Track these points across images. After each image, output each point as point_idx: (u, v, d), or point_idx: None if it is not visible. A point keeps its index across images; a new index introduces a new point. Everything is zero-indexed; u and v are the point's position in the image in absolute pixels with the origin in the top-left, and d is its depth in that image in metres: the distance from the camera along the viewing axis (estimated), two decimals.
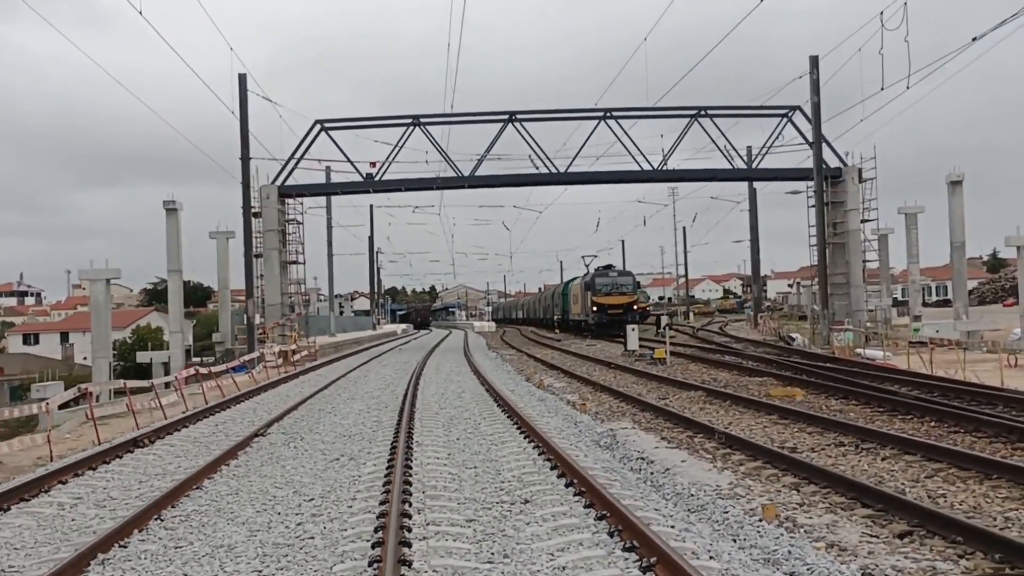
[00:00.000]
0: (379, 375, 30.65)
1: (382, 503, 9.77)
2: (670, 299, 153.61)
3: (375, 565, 7.52)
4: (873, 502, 9.54)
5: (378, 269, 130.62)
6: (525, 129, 47.98)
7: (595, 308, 55.35)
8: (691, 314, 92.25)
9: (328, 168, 53.21)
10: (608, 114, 48.35)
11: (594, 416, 17.99)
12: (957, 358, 27.74)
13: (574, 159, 47.99)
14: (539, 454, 12.95)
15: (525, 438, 14.59)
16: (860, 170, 48.32)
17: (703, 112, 48.63)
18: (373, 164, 48.66)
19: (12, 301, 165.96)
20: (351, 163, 48.76)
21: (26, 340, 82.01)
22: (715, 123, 48.67)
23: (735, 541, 8.46)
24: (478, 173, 48.12)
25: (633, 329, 36.29)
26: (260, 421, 18.25)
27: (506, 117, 48.03)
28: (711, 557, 7.67)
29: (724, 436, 14.05)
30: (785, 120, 48.47)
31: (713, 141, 48.95)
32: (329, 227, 63.16)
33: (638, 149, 48.35)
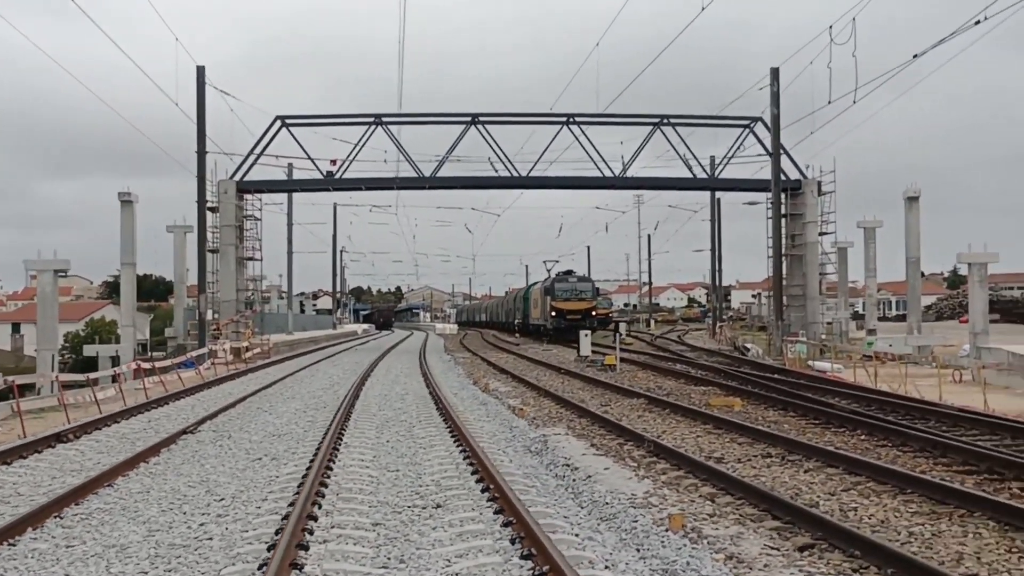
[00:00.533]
0: (326, 375, 30.42)
1: (291, 504, 9.63)
2: (635, 306, 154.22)
3: (263, 568, 7.38)
4: (783, 514, 9.52)
5: (342, 268, 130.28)
6: (487, 132, 47.92)
7: (554, 313, 55.33)
8: (652, 322, 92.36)
9: (290, 165, 52.81)
10: (571, 120, 48.40)
11: (531, 421, 17.89)
12: (900, 372, 27.96)
13: (536, 163, 48.03)
14: (464, 459, 12.86)
15: (455, 442, 14.48)
16: (819, 183, 48.69)
17: (665, 120, 48.82)
18: (334, 162, 48.37)
19: None
20: (311, 160, 48.47)
21: None
22: (677, 132, 48.89)
23: (638, 551, 8.39)
24: (439, 175, 48.06)
25: (586, 335, 36.29)
26: (194, 418, 18.03)
27: (468, 119, 47.94)
28: (607, 567, 7.61)
29: (653, 444, 14.00)
30: (747, 131, 48.77)
31: (675, 149, 49.09)
32: (290, 224, 62.85)
33: (600, 155, 48.49)
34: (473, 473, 11.69)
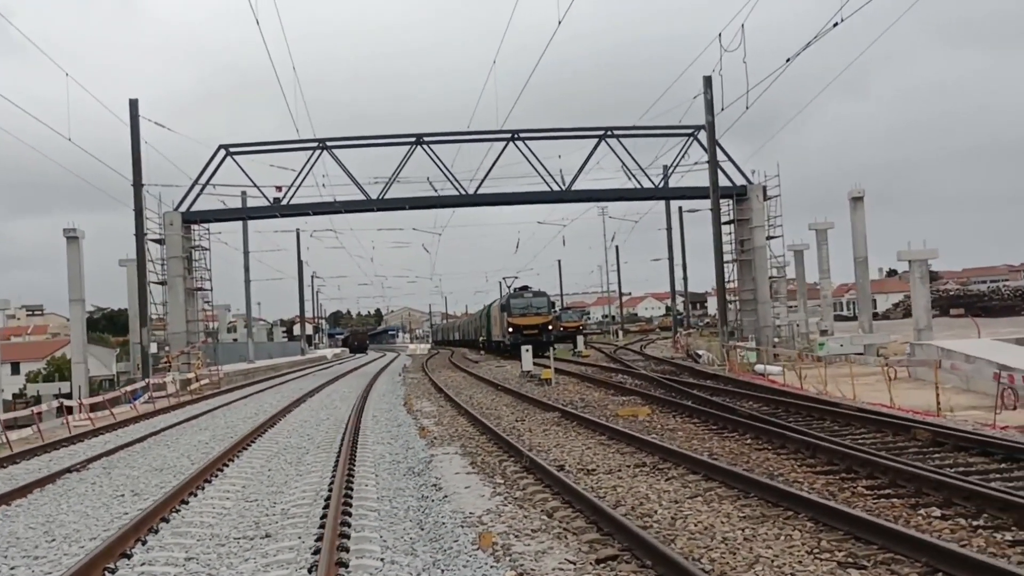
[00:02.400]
0: (259, 404, 30.25)
1: (115, 541, 9.52)
2: (613, 317, 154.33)
3: None
4: (605, 526, 9.49)
5: (316, 293, 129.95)
6: (433, 152, 48.00)
7: (511, 329, 55.35)
8: (620, 332, 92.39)
9: (244, 193, 52.86)
10: (515, 136, 48.53)
11: (431, 442, 17.83)
12: (843, 373, 28.06)
13: (483, 181, 48.11)
14: (329, 485, 12.74)
15: (334, 469, 14.40)
16: (765, 188, 48.92)
17: (610, 132, 49.00)
18: (279, 188, 48.39)
19: None
20: (257, 187, 48.54)
21: None
22: (622, 143, 49.07)
23: (442, 572, 8.34)
24: (387, 196, 48.06)
25: (527, 350, 36.29)
26: (93, 454, 17.86)
27: (413, 140, 48.03)
28: None
29: (529, 460, 13.95)
30: (691, 139, 49.04)
31: (620, 160, 49.34)
32: (246, 252, 62.63)
33: (546, 170, 48.60)
34: (326, 500, 11.61)
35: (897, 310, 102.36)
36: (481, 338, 72.88)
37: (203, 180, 47.05)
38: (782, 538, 8.97)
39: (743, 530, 9.36)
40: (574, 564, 8.32)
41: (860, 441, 15.04)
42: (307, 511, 11.10)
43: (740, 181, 49.16)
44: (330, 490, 12.23)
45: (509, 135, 48.42)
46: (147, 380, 35.52)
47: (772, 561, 8.16)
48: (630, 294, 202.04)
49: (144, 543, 9.73)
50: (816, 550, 8.50)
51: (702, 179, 50.46)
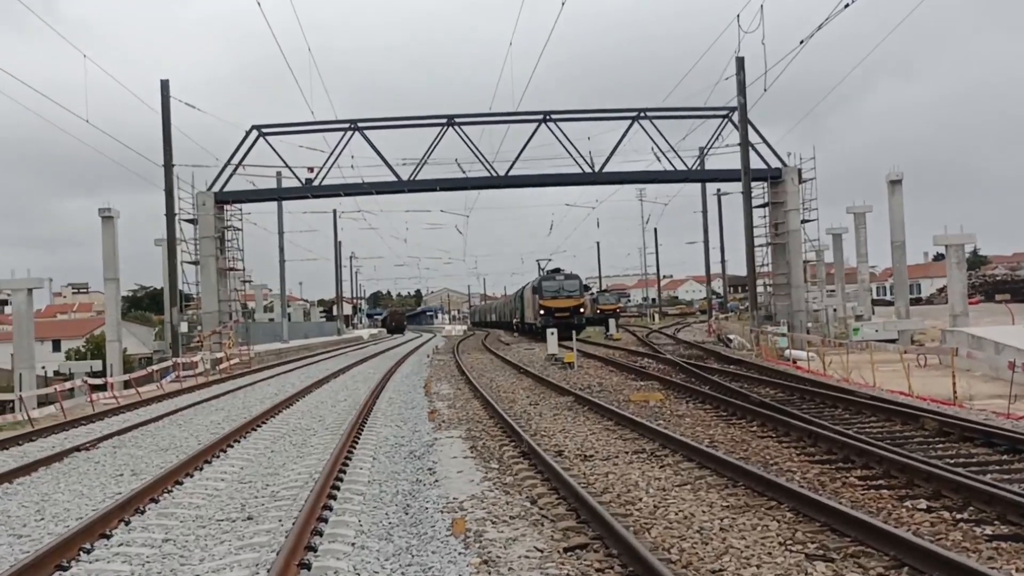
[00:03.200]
0: (284, 383, 30.49)
1: (96, 521, 9.61)
2: (654, 300, 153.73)
3: None
4: (584, 514, 9.42)
5: (355, 274, 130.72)
6: (464, 133, 47.93)
7: (542, 312, 55.26)
8: (657, 316, 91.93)
9: (279, 174, 53.17)
10: (547, 117, 48.34)
11: (439, 425, 17.85)
12: (868, 359, 27.67)
13: (514, 163, 47.97)
14: (331, 467, 12.78)
15: (338, 452, 14.44)
16: (800, 170, 48.31)
17: (643, 114, 48.61)
18: (311, 170, 48.63)
19: None
20: (289, 168, 48.85)
21: None
22: (655, 125, 48.68)
23: (412, 556, 8.33)
24: (417, 177, 48.11)
25: (552, 333, 36.15)
26: (107, 431, 18.08)
27: (445, 121, 47.98)
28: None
29: (528, 445, 13.90)
30: (725, 120, 48.46)
31: (653, 142, 48.96)
32: (280, 233, 63.07)
33: (577, 151, 48.36)
34: (323, 483, 11.63)
35: (941, 295, 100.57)
36: (515, 320, 72.90)
37: (235, 161, 47.46)
38: (759, 528, 8.86)
39: (722, 520, 9.25)
40: (541, 552, 8.26)
41: (867, 430, 14.82)
42: (296, 494, 11.13)
43: (775, 164, 48.61)
44: (328, 473, 12.27)
45: (541, 116, 48.24)
46: (175, 359, 35.90)
47: (742, 552, 8.05)
48: (671, 276, 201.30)
49: (127, 523, 9.82)
50: (789, 541, 8.37)
51: (738, 161, 49.99)
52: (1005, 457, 12.02)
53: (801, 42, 20.51)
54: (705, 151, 50.57)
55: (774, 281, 49.57)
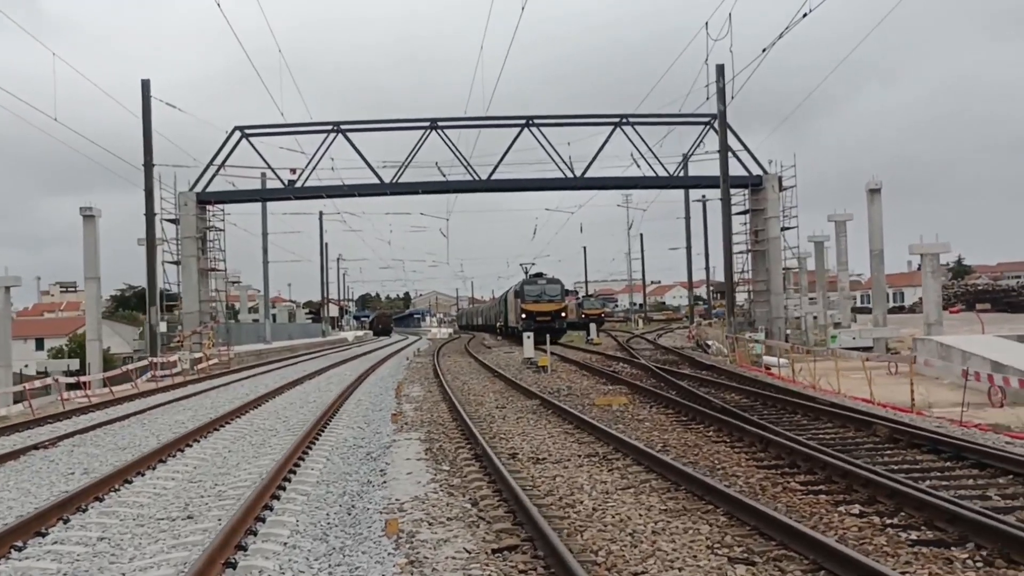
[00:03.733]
0: (258, 383, 30.49)
1: (34, 518, 9.65)
2: (641, 305, 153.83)
3: None
4: (520, 516, 9.48)
5: (343, 276, 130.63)
6: (447, 136, 48.03)
7: (524, 316, 55.31)
8: (640, 321, 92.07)
9: (264, 175, 53.24)
10: (530, 121, 48.46)
11: (401, 427, 17.91)
12: (851, 366, 27.85)
13: (496, 166, 48.07)
14: (280, 467, 12.83)
15: (292, 451, 14.49)
16: (780, 178, 48.52)
17: (625, 120, 48.77)
18: (293, 171, 48.67)
19: None
20: (272, 169, 48.92)
21: None
22: (636, 131, 48.83)
23: (343, 556, 8.39)
24: (401, 180, 48.18)
25: (528, 337, 36.23)
26: (64, 432, 18.09)
27: (427, 124, 48.06)
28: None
29: (482, 448, 13.96)
30: (707, 127, 48.61)
31: (636, 148, 49.12)
32: (264, 234, 62.99)
33: (560, 156, 48.48)
34: (268, 483, 11.69)
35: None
36: (499, 324, 72.94)
37: (218, 161, 47.47)
38: (690, 532, 8.94)
39: (656, 523, 9.34)
40: (469, 553, 8.33)
41: (820, 436, 14.94)
42: (242, 493, 11.17)
43: (757, 171, 48.81)
44: (278, 472, 12.31)
45: (524, 120, 48.38)
46: (151, 359, 35.88)
47: (668, 555, 8.13)
48: (659, 282, 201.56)
49: (67, 522, 9.85)
50: (718, 545, 8.46)
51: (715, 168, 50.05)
52: (948, 464, 12.14)
53: (764, 50, 20.66)
54: (687, 157, 50.74)
55: (754, 288, 49.79)
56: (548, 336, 53.69)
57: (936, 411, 18.87)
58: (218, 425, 18.27)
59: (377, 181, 47.72)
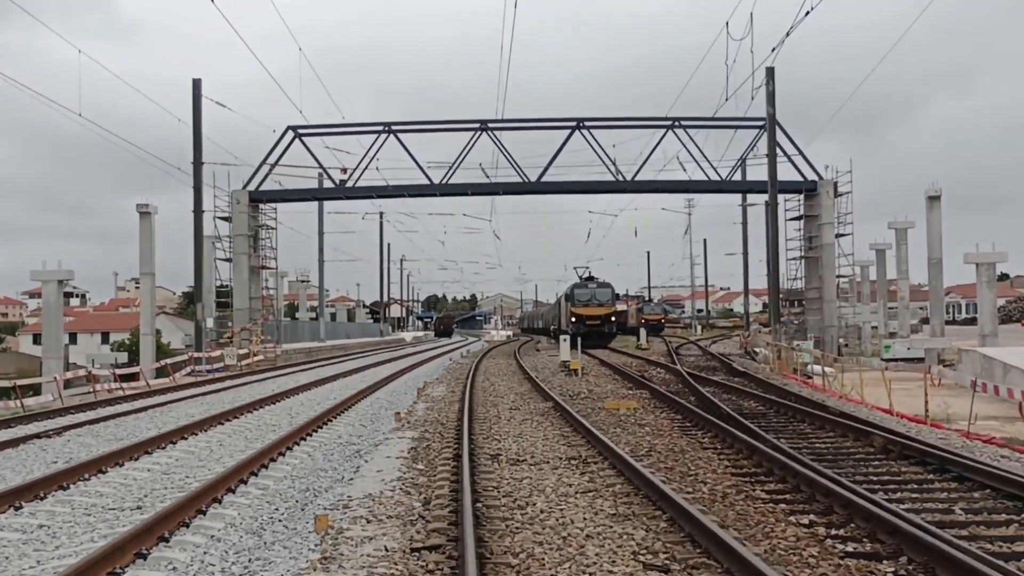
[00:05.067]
0: (292, 380, 30.78)
1: None
2: (709, 312, 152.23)
3: None
4: (460, 517, 9.36)
5: (408, 276, 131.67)
6: (497, 138, 48.09)
7: (573, 319, 55.01)
8: (700, 327, 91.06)
9: (320, 175, 53.79)
10: (581, 124, 48.27)
11: (402, 426, 17.91)
12: (872, 377, 27.15)
13: (546, 168, 47.99)
14: (247, 462, 12.87)
15: (289, 446, 14.62)
16: (836, 184, 47.58)
17: (677, 123, 48.31)
18: (344, 171, 49.17)
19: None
20: (323, 169, 49.42)
21: (36, 340, 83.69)
22: (688, 134, 48.34)
23: (265, 551, 8.38)
24: (451, 181, 48.35)
25: (565, 340, 36.00)
26: (75, 422, 18.45)
27: (478, 126, 48.15)
28: (172, 568, 7.70)
29: (468, 448, 13.85)
30: (761, 131, 47.86)
31: (688, 151, 48.65)
32: (320, 233, 63.74)
33: (610, 159, 48.25)
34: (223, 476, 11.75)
35: (999, 313, 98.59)
36: (552, 327, 72.69)
37: (271, 160, 48.17)
38: (624, 537, 8.72)
39: (596, 527, 9.13)
40: (386, 551, 8.23)
41: (816, 445, 14.56)
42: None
43: (812, 176, 47.98)
44: (262, 467, 12.40)
45: (575, 123, 48.21)
46: (190, 354, 36.49)
47: (586, 560, 7.93)
48: (728, 288, 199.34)
49: (18, 508, 9.99)
50: (645, 551, 8.24)
51: (780, 172, 49.14)
52: (930, 476, 11.70)
53: (773, 50, 20.19)
54: (742, 160, 50.12)
55: (806, 296, 48.92)
56: (580, 340, 53.48)
57: (960, 424, 18.29)
58: (224, 419, 18.47)
59: (427, 182, 48.00)
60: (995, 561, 7.07)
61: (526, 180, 48.05)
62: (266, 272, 50.04)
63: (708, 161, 48.18)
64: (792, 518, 9.51)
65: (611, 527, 9.16)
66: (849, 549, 8.25)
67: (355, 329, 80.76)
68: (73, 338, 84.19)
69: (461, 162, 48.12)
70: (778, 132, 47.50)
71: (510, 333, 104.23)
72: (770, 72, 40.67)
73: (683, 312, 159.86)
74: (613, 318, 55.54)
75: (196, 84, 40.39)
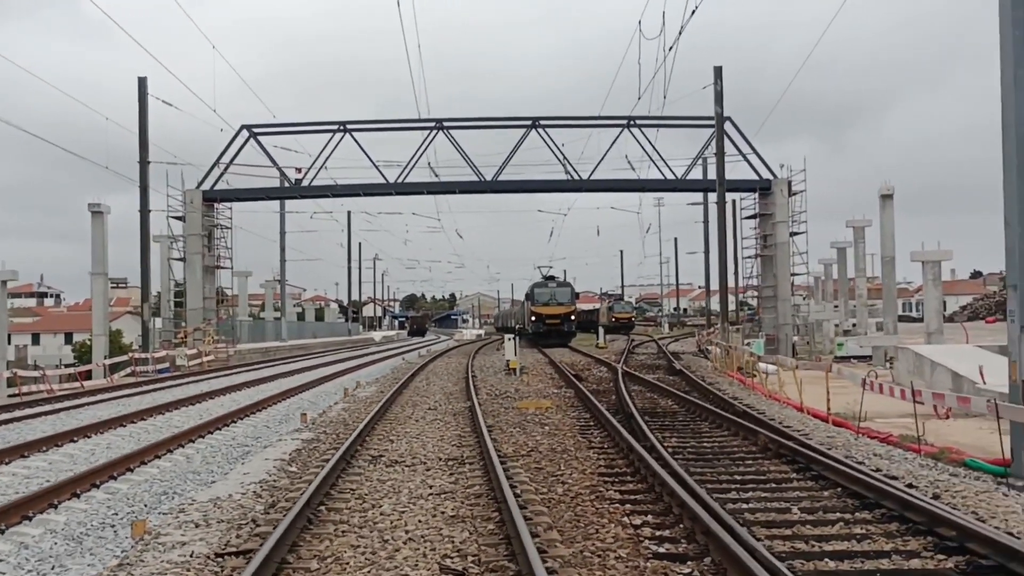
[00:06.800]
0: (229, 381, 30.55)
1: None
2: (684, 310, 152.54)
3: None
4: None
5: (382, 275, 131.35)
6: (453, 138, 47.91)
7: (533, 318, 55.01)
8: (667, 326, 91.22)
9: (282, 173, 53.45)
10: (536, 123, 48.14)
11: (306, 427, 17.81)
12: (814, 376, 27.15)
13: (502, 168, 47.85)
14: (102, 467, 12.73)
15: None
16: (790, 182, 47.64)
17: (632, 122, 48.21)
18: (299, 170, 48.97)
19: (32, 302, 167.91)
20: (278, 168, 49.12)
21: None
22: (643, 133, 48.28)
23: (80, 557, 8.24)
24: (408, 180, 48.18)
25: (510, 340, 35.84)
26: None
27: (433, 125, 47.97)
28: None
29: (338, 453, 13.74)
30: (715, 131, 47.84)
31: (644, 151, 48.63)
32: (282, 233, 63.46)
33: (567, 159, 48.16)
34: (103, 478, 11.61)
35: (964, 312, 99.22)
36: (518, 326, 72.67)
37: (225, 160, 47.87)
38: (445, 540, 8.63)
39: (427, 530, 9.07)
40: (191, 557, 8.11)
41: (703, 444, 14.51)
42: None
43: (767, 175, 48.02)
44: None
45: (530, 122, 48.07)
46: (131, 355, 36.22)
47: (393, 565, 7.84)
48: (703, 287, 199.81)
49: None
50: (457, 554, 8.16)
51: (738, 171, 49.17)
52: (793, 475, 11.65)
53: (670, 48, 20.12)
54: (695, 159, 50.13)
55: (761, 294, 49.04)
56: (540, 339, 53.49)
57: (880, 422, 18.32)
58: (131, 420, 18.22)
59: (383, 180, 47.81)
60: (775, 563, 6.98)
61: (482, 179, 47.91)
62: (226, 272, 49.66)
63: (664, 160, 48.11)
64: (627, 519, 9.43)
65: (441, 530, 9.06)
66: (662, 550, 8.18)
67: (323, 329, 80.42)
68: (36, 338, 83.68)
69: (417, 161, 47.96)
70: (733, 131, 47.69)
71: (482, 332, 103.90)
72: (718, 71, 40.74)
73: (659, 311, 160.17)
74: (573, 317, 55.53)
75: (142, 83, 40.09)
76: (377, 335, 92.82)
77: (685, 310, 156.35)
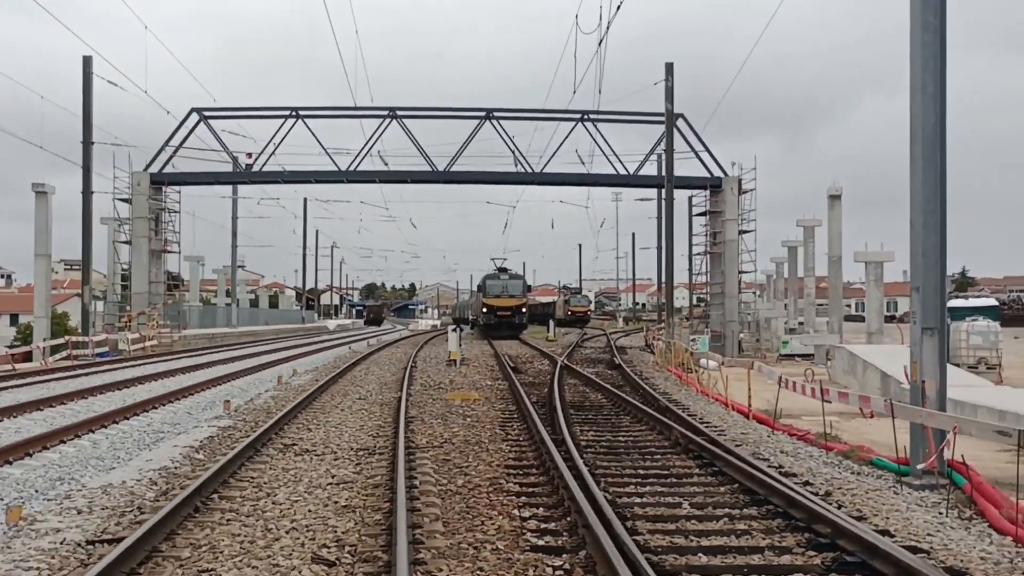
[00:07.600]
0: (166, 367, 30.24)
1: None
2: (643, 305, 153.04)
3: None
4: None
5: (340, 264, 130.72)
6: (406, 127, 47.67)
7: (485, 310, 54.98)
8: (622, 320, 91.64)
9: (235, 158, 52.90)
10: (490, 114, 47.99)
11: (229, 415, 17.69)
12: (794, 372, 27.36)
13: (455, 158, 47.66)
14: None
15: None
16: (740, 180, 47.91)
17: (586, 116, 48.21)
18: (249, 155, 48.49)
19: None
20: (228, 153, 48.58)
21: None
22: (597, 128, 48.30)
23: None
24: (360, 168, 47.86)
25: (455, 330, 35.82)
26: None
27: (386, 113, 47.69)
28: None
29: (249, 441, 13.63)
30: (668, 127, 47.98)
31: (597, 145, 48.63)
32: (234, 218, 62.91)
33: (519, 151, 48.08)
34: None
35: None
36: (472, 317, 72.68)
37: (175, 143, 47.28)
38: (328, 530, 8.58)
39: (313, 519, 9.02)
40: (61, 544, 8.00)
41: (619, 438, 14.56)
42: None
43: (716, 172, 48.25)
44: None
45: (484, 113, 47.92)
46: (67, 338, 35.74)
47: (268, 554, 7.78)
48: (656, 282, 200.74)
49: None
50: (335, 543, 8.12)
51: (690, 168, 49.40)
52: (697, 470, 11.72)
53: (600, 43, 20.14)
54: (648, 155, 50.24)
55: (710, 290, 49.31)
56: (459, 330, 53.35)
57: (806, 420, 18.44)
58: (49, 405, 18.00)
59: (335, 168, 47.47)
60: (637, 557, 6.99)
61: (435, 169, 47.71)
62: (175, 257, 49.11)
63: (616, 156, 48.16)
64: (517, 511, 9.42)
65: (328, 520, 9.02)
66: (541, 543, 8.17)
67: (276, 316, 79.87)
68: None
69: (370, 150, 47.68)
70: (686, 129, 47.90)
71: (438, 323, 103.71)
72: (669, 68, 40.90)
73: (619, 305, 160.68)
74: (524, 309, 55.53)
75: (87, 62, 39.50)
76: (332, 323, 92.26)
77: (643, 305, 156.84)
